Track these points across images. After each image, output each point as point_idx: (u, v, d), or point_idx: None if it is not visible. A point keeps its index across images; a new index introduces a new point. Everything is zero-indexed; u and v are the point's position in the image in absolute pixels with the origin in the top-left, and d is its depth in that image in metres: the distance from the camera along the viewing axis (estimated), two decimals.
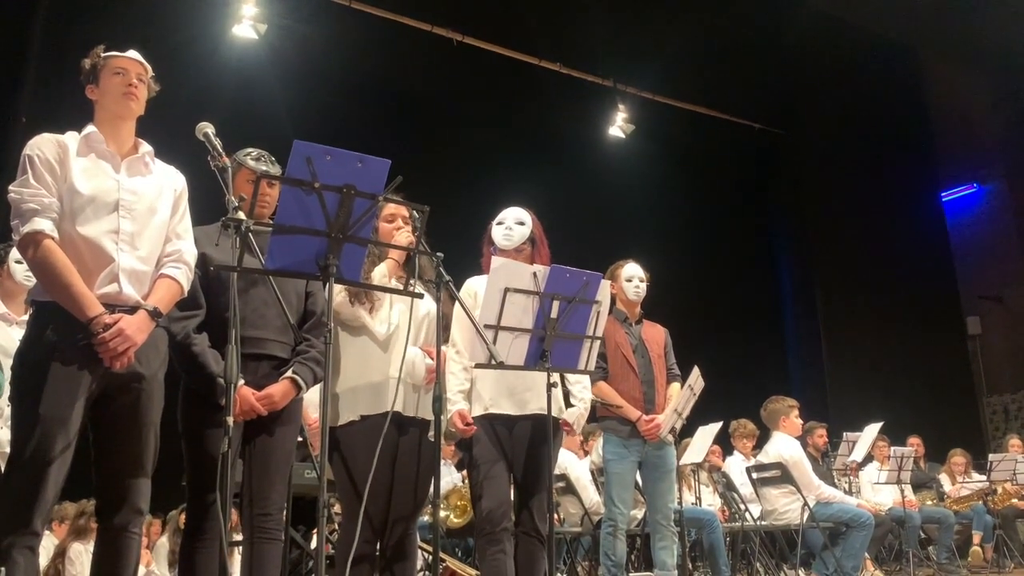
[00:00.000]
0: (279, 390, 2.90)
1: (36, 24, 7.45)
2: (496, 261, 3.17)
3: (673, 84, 11.06)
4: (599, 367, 4.32)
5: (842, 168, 12.31)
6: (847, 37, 10.50)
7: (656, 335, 4.63)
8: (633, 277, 4.56)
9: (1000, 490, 7.73)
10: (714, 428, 6.08)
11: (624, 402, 4.39)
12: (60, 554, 5.79)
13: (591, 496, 5.72)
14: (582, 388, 3.72)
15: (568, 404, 3.66)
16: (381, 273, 3.21)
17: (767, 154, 12.53)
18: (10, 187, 2.51)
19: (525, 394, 3.39)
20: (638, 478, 4.60)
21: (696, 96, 11.49)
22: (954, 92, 11.82)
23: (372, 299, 3.21)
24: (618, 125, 10.79)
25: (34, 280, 2.66)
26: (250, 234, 2.57)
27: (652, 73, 10.61)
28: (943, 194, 12.44)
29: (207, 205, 2.98)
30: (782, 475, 5.92)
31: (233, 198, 2.68)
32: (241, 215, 2.62)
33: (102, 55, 2.69)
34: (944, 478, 8.40)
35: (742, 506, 6.38)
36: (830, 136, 12.40)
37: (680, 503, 4.96)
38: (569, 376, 3.76)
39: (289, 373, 2.95)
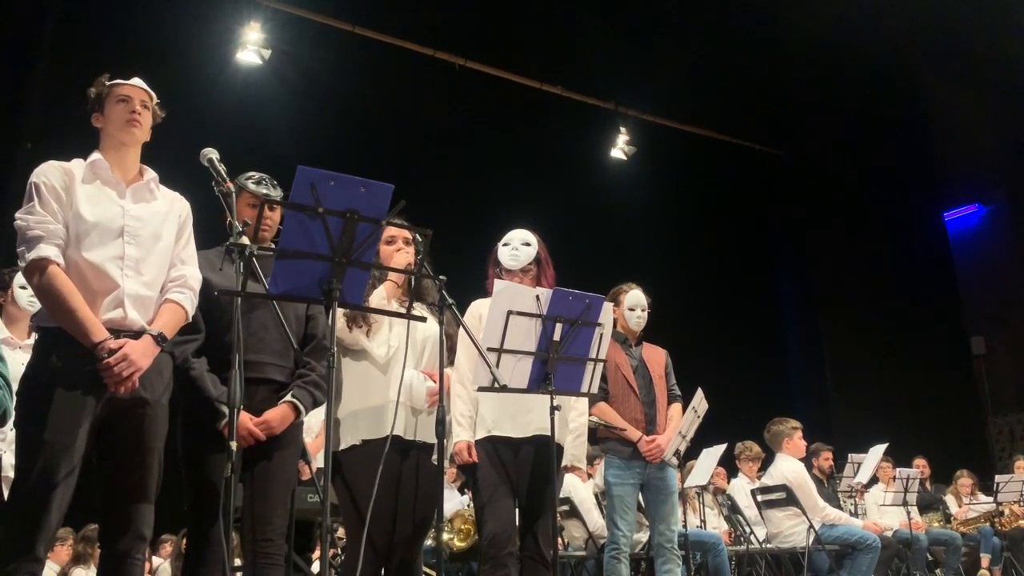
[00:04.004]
0: (277, 415, 2.90)
1: (41, 50, 7.51)
2: (499, 284, 3.18)
3: (674, 106, 11.13)
4: (600, 388, 4.31)
5: (843, 188, 12.33)
6: (847, 58, 10.55)
7: (656, 356, 4.63)
8: (636, 307, 4.56)
9: (1007, 511, 7.67)
10: (718, 450, 6.07)
11: (626, 424, 4.38)
12: None
13: (595, 519, 5.69)
14: (577, 415, 3.72)
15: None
16: (379, 296, 3.23)
17: (768, 175, 12.55)
18: (16, 214, 2.53)
19: (527, 416, 3.39)
20: (642, 500, 4.58)
21: (697, 118, 11.56)
22: (955, 111, 11.85)
23: (369, 322, 3.22)
24: (620, 147, 10.84)
25: (38, 305, 2.68)
26: (254, 259, 2.58)
27: (653, 96, 10.68)
28: (945, 214, 12.45)
29: (210, 230, 3.00)
30: (787, 497, 5.89)
31: (237, 223, 2.69)
32: (245, 240, 2.63)
33: (107, 83, 2.73)
34: (950, 499, 8.34)
35: (747, 529, 6.34)
36: (831, 157, 12.44)
37: (685, 526, 4.94)
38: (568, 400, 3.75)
39: (288, 397, 2.95)
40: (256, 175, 3.15)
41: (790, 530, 5.97)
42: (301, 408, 2.96)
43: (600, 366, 3.27)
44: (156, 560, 6.63)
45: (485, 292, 3.65)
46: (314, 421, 4.14)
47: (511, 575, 3.25)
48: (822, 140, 12.42)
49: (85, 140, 2.74)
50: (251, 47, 8.43)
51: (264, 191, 3.08)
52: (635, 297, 4.58)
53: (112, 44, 7.22)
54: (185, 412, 2.90)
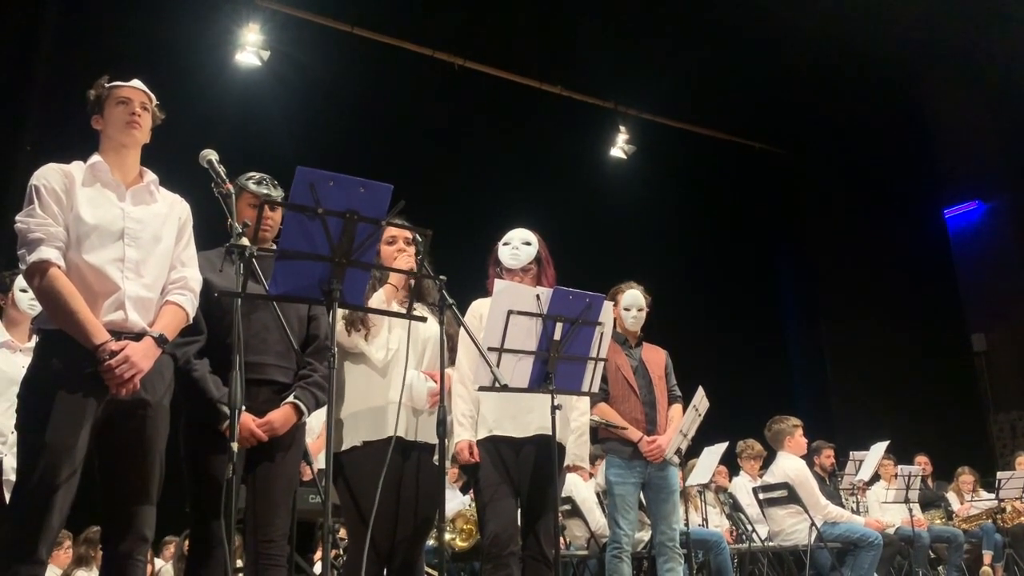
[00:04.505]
0: (279, 416, 2.91)
1: (41, 53, 7.51)
2: (499, 284, 3.17)
3: (674, 105, 11.12)
4: (600, 389, 4.32)
5: (844, 186, 12.33)
6: (847, 58, 10.55)
7: (656, 357, 4.62)
8: (632, 307, 4.54)
9: (1009, 508, 7.67)
10: (720, 449, 6.07)
11: (627, 423, 4.38)
12: None
13: (597, 519, 5.69)
14: (579, 415, 3.72)
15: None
16: (379, 299, 3.22)
17: (768, 174, 12.55)
18: (17, 217, 2.53)
19: (528, 415, 3.39)
20: (643, 499, 4.58)
21: (697, 117, 11.55)
22: (955, 108, 11.85)
23: (368, 325, 3.22)
24: (619, 146, 10.84)
25: (38, 308, 2.68)
26: (254, 260, 2.58)
27: (653, 94, 10.67)
28: (946, 210, 12.45)
29: (210, 231, 3.00)
30: (789, 495, 5.89)
31: (237, 224, 2.70)
32: (245, 241, 2.63)
33: (106, 85, 2.73)
34: (952, 496, 8.34)
35: (749, 527, 6.35)
36: (831, 154, 12.43)
37: (687, 524, 4.94)
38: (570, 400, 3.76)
39: (290, 398, 2.95)
40: (256, 175, 3.15)
41: (792, 528, 5.97)
42: (303, 409, 2.96)
43: (601, 365, 3.27)
44: (158, 562, 6.63)
45: (485, 292, 3.65)
46: (315, 422, 4.14)
47: (513, 575, 3.25)
48: (822, 139, 12.40)
49: (85, 142, 2.74)
50: (250, 48, 8.43)
51: (264, 191, 3.08)
52: (631, 297, 4.56)
53: (111, 46, 7.22)
54: (187, 413, 2.90)
